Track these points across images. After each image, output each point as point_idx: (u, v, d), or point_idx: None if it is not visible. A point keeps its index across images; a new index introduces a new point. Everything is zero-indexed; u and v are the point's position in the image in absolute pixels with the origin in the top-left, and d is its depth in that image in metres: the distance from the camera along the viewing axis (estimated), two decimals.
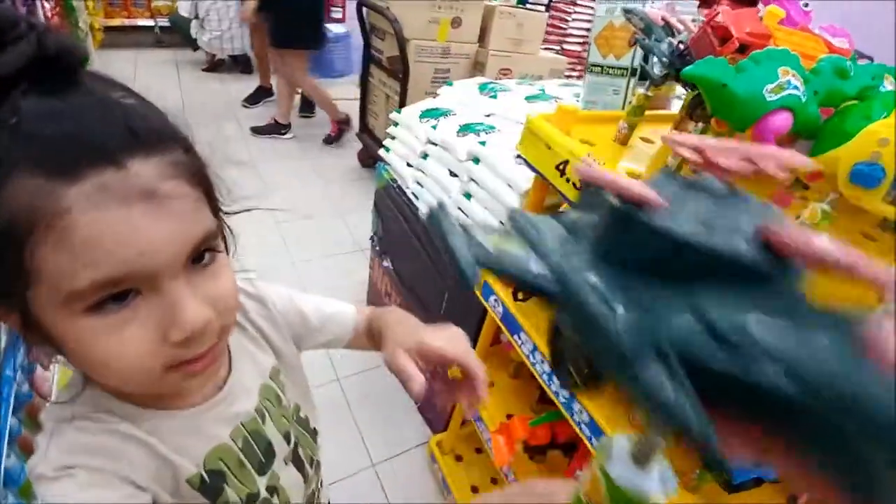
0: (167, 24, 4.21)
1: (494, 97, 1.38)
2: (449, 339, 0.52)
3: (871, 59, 0.90)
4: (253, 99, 3.65)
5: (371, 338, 0.62)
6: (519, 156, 0.82)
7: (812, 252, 0.21)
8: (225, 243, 0.41)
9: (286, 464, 0.56)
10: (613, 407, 0.77)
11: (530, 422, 0.97)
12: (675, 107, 1.02)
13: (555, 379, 0.85)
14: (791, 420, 0.19)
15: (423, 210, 1.42)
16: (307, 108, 3.64)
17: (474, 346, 1.21)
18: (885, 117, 0.52)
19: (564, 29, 3.16)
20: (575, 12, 3.12)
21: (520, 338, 0.91)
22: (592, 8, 2.81)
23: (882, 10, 1.53)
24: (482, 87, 1.44)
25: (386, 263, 1.72)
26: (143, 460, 0.41)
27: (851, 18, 0.95)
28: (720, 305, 0.20)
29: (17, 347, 1.34)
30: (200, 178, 0.36)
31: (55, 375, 1.47)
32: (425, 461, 1.54)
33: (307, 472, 0.60)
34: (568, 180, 0.71)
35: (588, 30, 3.17)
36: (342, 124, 3.23)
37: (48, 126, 0.30)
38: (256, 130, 3.23)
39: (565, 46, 3.19)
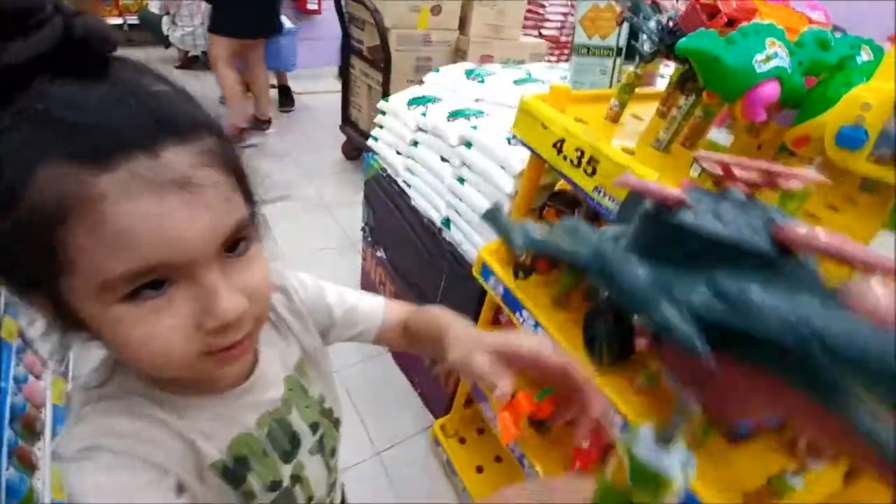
0: (136, 21, 4.10)
1: (482, 82, 1.40)
2: (539, 342, 0.45)
3: (845, 31, 0.94)
4: None
5: (409, 337, 0.60)
6: (514, 137, 0.83)
7: (811, 242, 0.25)
8: (257, 232, 0.40)
9: (311, 454, 0.56)
10: (614, 373, 0.81)
11: (536, 395, 1.00)
12: (661, 84, 1.04)
13: None
14: (785, 362, 0.23)
15: (414, 198, 1.43)
16: (286, 101, 3.59)
17: None
18: (864, 83, 0.55)
19: (542, 14, 3.17)
20: None
21: (521, 315, 0.93)
22: None
23: None
24: (469, 73, 1.45)
25: (379, 254, 1.73)
26: (169, 443, 0.41)
27: None
28: (730, 280, 0.25)
29: (9, 358, 1.31)
30: (234, 167, 0.36)
31: (48, 388, 1.45)
32: (428, 446, 1.57)
33: (330, 463, 0.60)
34: (565, 158, 0.73)
35: (565, 14, 3.19)
36: (244, 130, 3.02)
37: (78, 113, 0.30)
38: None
39: (543, 32, 3.21)
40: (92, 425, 0.40)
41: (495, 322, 1.22)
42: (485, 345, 0.45)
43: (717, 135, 0.61)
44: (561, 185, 0.90)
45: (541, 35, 3.14)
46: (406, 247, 1.52)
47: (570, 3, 3.11)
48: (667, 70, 1.14)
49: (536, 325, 0.91)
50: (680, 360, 0.29)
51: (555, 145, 0.75)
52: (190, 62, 4.11)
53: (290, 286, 0.56)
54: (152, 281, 0.32)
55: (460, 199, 1.25)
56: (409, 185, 1.46)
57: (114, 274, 0.30)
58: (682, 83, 0.69)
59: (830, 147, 0.49)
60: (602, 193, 0.69)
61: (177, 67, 4.04)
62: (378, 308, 0.61)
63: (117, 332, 0.33)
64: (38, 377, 1.44)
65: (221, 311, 0.33)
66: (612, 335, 0.33)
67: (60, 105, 0.30)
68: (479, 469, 1.46)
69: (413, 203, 1.44)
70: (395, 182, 1.51)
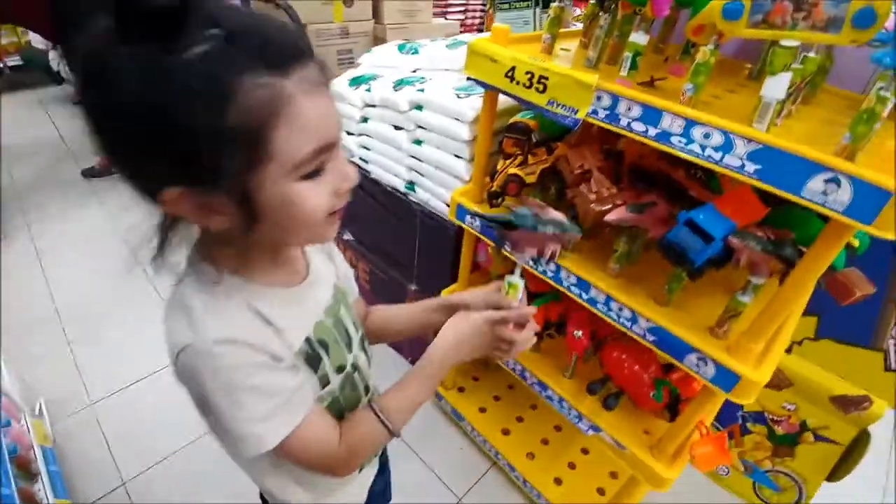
0: (19, 62, 3.79)
1: (416, 52, 1.49)
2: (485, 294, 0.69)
3: None
4: None
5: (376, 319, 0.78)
6: (469, 78, 0.94)
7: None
8: None
9: (359, 349, 0.68)
10: (584, 264, 0.95)
11: None
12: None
13: (541, 262, 1.00)
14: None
15: (373, 171, 1.51)
16: None
17: (455, 279, 1.36)
18: None
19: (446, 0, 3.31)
20: None
21: None
22: None
23: None
24: (401, 48, 1.54)
25: (346, 237, 1.79)
26: (272, 339, 0.51)
27: None
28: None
29: None
30: (330, 84, 0.46)
31: (30, 430, 1.40)
32: (431, 401, 1.66)
33: (370, 356, 0.72)
34: (518, 83, 0.86)
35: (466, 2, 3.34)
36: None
37: (254, 34, 0.38)
38: None
39: (448, 16, 3.35)
40: (218, 318, 0.47)
41: (475, 267, 1.33)
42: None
43: (637, 37, 0.75)
44: (521, 116, 1.03)
45: (446, 18, 3.29)
46: (373, 220, 1.59)
47: None
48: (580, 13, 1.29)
49: None
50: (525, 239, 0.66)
51: (507, 75, 0.87)
52: None
53: None
54: (315, 169, 0.43)
55: (420, 160, 1.35)
56: (366, 161, 1.53)
57: (306, 153, 0.41)
58: (601, 3, 0.83)
59: (719, 21, 0.65)
60: (555, 105, 0.82)
61: (77, 103, 3.78)
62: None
63: (292, 202, 0.43)
64: (17, 420, 1.39)
65: (352, 175, 0.47)
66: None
67: (237, 29, 0.37)
68: (482, 409, 1.57)
69: (373, 175, 1.51)
70: (351, 162, 1.58)
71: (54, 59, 3.56)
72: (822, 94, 0.91)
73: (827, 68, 0.89)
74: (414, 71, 1.48)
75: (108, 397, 1.63)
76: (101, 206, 2.60)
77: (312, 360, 0.57)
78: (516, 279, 0.65)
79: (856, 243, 0.80)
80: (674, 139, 0.71)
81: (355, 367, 0.66)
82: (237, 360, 0.47)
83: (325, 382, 0.59)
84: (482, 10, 3.26)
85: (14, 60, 3.81)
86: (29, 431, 1.41)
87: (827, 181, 0.60)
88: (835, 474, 1.35)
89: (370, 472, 0.75)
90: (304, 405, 0.53)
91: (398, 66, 1.49)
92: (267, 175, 0.40)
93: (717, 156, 0.67)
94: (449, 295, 0.72)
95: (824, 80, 0.90)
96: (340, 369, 0.62)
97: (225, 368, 0.46)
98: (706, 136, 0.67)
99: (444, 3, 3.35)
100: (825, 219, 0.86)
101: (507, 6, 1.12)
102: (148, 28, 0.34)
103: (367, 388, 0.69)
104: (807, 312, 1.20)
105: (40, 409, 1.53)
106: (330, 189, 0.45)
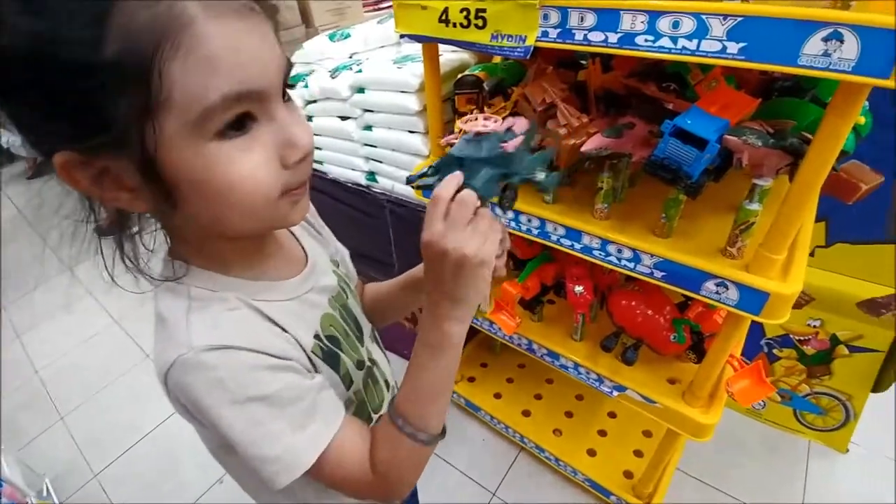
0: None
1: (348, 37, 1.39)
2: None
3: None
4: None
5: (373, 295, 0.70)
6: (402, 36, 0.84)
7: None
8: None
9: (372, 341, 0.60)
10: (569, 211, 0.85)
11: (518, 279, 1.03)
12: None
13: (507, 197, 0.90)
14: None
15: (329, 170, 1.41)
16: None
17: None
18: None
19: None
20: None
21: None
22: None
23: None
24: (332, 37, 1.44)
25: None
26: (277, 339, 0.42)
27: None
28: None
29: None
30: (272, 16, 0.36)
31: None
32: None
33: (384, 352, 0.64)
34: (455, 25, 0.76)
35: None
36: None
37: None
38: None
39: (380, 8, 3.25)
40: (203, 323, 0.38)
41: None
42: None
43: None
44: (471, 65, 0.93)
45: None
46: (340, 224, 1.48)
47: None
48: None
49: (493, 207, 0.93)
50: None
51: (441, 20, 0.77)
52: (43, 167, 3.70)
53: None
54: (236, 119, 0.33)
55: (375, 146, 1.24)
56: (320, 163, 1.43)
57: (212, 100, 0.31)
58: None
59: None
60: (500, 37, 0.72)
61: (31, 178, 3.62)
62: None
63: (210, 169, 0.33)
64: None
65: (302, 140, 0.36)
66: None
67: None
68: (497, 395, 1.48)
69: (331, 176, 1.41)
70: None
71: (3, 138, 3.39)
72: None
73: None
74: (350, 56, 1.37)
75: (111, 464, 1.54)
76: (69, 274, 2.48)
77: (330, 358, 0.48)
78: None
79: (861, 120, 0.71)
80: (639, 39, 0.61)
81: (372, 361, 0.57)
82: (237, 368, 0.37)
83: (348, 382, 0.50)
84: None
85: None
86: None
87: (826, 39, 0.50)
88: (880, 384, 1.27)
89: None
90: (336, 407, 0.44)
91: (332, 56, 1.39)
92: (167, 128, 0.31)
93: (692, 44, 0.58)
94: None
95: None
96: (360, 365, 0.53)
97: (225, 380, 0.36)
98: (674, 25, 0.58)
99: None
100: (821, 104, 0.78)
101: None
102: None
103: (387, 384, 0.60)
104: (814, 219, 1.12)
105: (47, 489, 1.44)
106: (271, 156, 0.35)
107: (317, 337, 0.47)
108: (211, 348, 0.36)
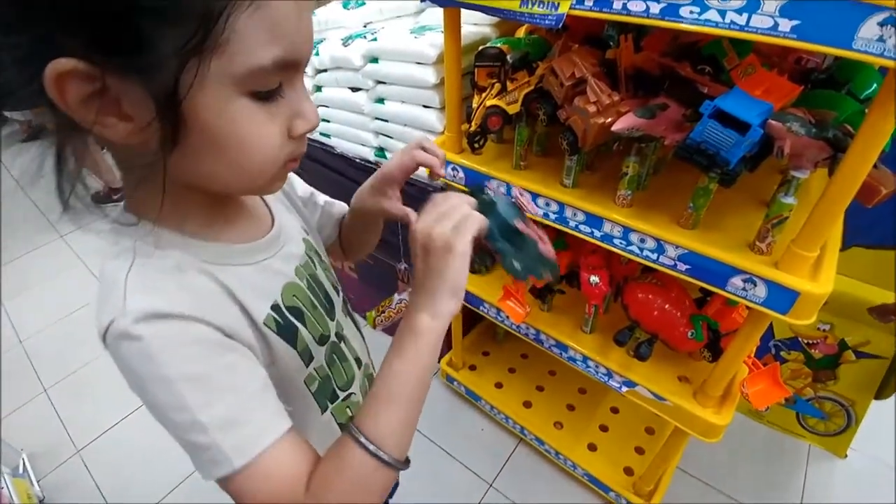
0: None
1: (363, 4, 1.33)
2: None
3: None
4: None
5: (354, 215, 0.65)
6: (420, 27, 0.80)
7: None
8: None
9: (344, 315, 0.58)
10: (590, 196, 0.81)
11: None
12: None
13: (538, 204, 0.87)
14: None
15: (337, 145, 1.36)
16: None
17: None
18: None
19: None
20: None
21: (490, 183, 0.91)
22: None
23: None
24: (345, 4, 1.38)
25: None
26: (226, 307, 0.39)
27: None
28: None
29: None
30: None
31: (12, 491, 1.27)
32: (440, 386, 1.54)
33: (359, 328, 0.62)
34: None
35: None
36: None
37: None
38: None
39: None
40: (143, 286, 0.35)
41: None
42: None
43: None
44: (480, 48, 0.88)
45: None
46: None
47: None
48: None
49: (509, 187, 0.89)
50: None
51: None
52: (38, 131, 3.58)
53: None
54: (271, 90, 0.34)
55: (387, 121, 1.20)
56: (327, 136, 1.38)
57: (265, 60, 0.31)
58: None
59: None
60: (530, 4, 0.68)
61: (24, 141, 3.53)
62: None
63: (233, 122, 0.33)
64: None
65: (311, 115, 0.37)
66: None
67: None
68: (499, 385, 1.45)
69: (338, 150, 1.36)
70: (311, 140, 1.42)
71: None
72: None
73: None
74: (364, 25, 1.32)
75: (95, 440, 1.50)
76: (61, 241, 2.43)
77: (286, 331, 0.44)
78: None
79: None
80: (683, 11, 0.57)
81: (340, 337, 0.55)
82: (170, 341, 0.34)
83: (307, 357, 0.47)
84: None
85: None
86: (10, 493, 1.27)
87: (882, 24, 0.46)
88: (883, 391, 1.25)
89: None
90: (278, 411, 0.39)
91: (345, 25, 1.33)
92: (209, 72, 0.30)
93: (741, 19, 0.54)
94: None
95: None
96: (323, 340, 0.50)
97: (154, 355, 0.33)
98: None
99: None
100: (860, 100, 0.74)
101: None
102: None
103: (358, 362, 0.58)
104: None
105: (24, 465, 1.39)
106: (284, 127, 0.36)
107: (275, 308, 0.44)
108: (144, 316, 0.33)
